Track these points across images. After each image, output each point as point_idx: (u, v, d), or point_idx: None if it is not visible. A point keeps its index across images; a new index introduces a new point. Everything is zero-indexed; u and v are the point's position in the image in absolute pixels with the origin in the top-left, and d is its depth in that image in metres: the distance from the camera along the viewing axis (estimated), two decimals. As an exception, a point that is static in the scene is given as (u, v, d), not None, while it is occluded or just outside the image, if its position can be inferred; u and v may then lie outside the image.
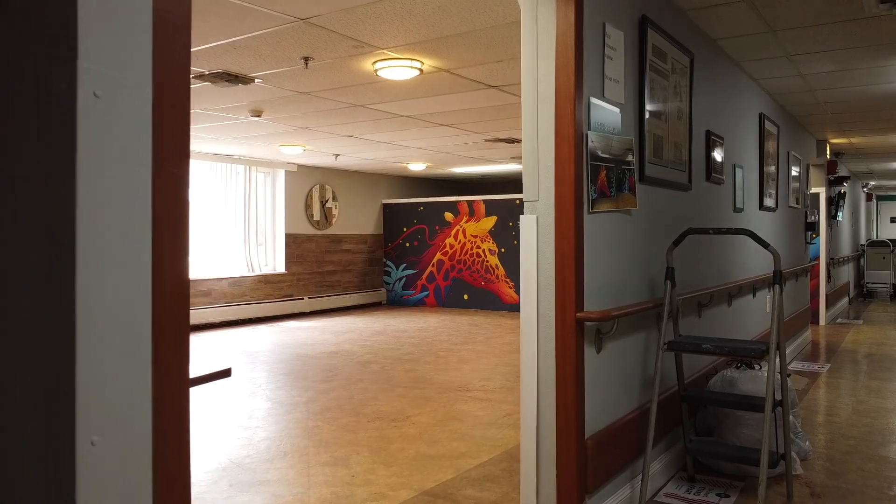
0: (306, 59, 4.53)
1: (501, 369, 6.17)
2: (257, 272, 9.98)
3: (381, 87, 5.47)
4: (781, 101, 6.06)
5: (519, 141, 7.75)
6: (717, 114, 4.41)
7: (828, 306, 9.09)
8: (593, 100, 2.78)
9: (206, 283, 9.26)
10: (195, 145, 8.31)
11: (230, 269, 9.62)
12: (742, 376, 3.47)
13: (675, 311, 3.29)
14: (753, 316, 5.20)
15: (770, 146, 5.71)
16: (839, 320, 9.50)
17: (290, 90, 5.49)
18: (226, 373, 1.63)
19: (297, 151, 8.70)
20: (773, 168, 5.84)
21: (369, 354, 6.97)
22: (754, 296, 5.22)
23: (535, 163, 2.71)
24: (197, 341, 7.85)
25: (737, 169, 4.82)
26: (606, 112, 2.89)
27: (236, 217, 9.79)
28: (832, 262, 9.59)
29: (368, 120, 6.71)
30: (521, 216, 2.74)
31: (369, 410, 4.68)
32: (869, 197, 17.05)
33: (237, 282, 9.68)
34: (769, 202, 5.73)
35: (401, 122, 6.82)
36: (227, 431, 4.23)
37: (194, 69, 4.69)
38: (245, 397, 5.19)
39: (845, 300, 11.20)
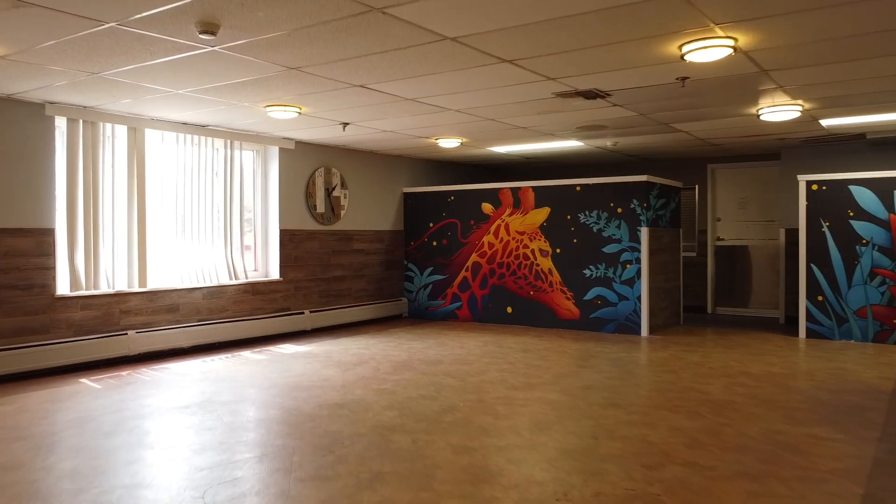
0: None
1: (607, 446, 3.79)
2: (242, 279, 7.66)
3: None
4: None
5: (605, 95, 5.35)
6: None
7: None
8: None
9: (171, 294, 6.95)
10: (144, 108, 6.01)
11: (206, 277, 7.31)
12: None
13: None
14: None
15: None
16: None
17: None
18: None
19: (290, 116, 6.35)
20: None
21: (392, 411, 4.61)
22: None
23: None
24: (141, 379, 5.55)
25: None
26: None
27: (214, 208, 7.47)
28: None
29: (390, 49, 4.35)
30: None
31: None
32: None
33: (215, 292, 7.37)
34: None
35: (440, 53, 4.46)
36: None
37: None
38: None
39: None
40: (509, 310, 9.04)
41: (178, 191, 7.09)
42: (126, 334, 6.44)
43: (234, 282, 7.54)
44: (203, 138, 7.27)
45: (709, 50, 4.05)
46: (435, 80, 5.15)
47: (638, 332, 8.05)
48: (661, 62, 4.57)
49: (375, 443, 3.90)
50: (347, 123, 7.03)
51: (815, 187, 7.71)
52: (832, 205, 7.61)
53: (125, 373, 5.98)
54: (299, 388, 5.31)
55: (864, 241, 7.44)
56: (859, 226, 7.47)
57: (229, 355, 6.83)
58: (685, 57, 4.23)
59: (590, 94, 5.56)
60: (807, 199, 7.74)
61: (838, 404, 4.76)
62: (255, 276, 8.00)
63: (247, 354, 6.87)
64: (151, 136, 6.88)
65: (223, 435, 4.08)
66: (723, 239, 10.37)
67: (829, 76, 5.02)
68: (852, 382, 5.44)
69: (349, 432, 4.11)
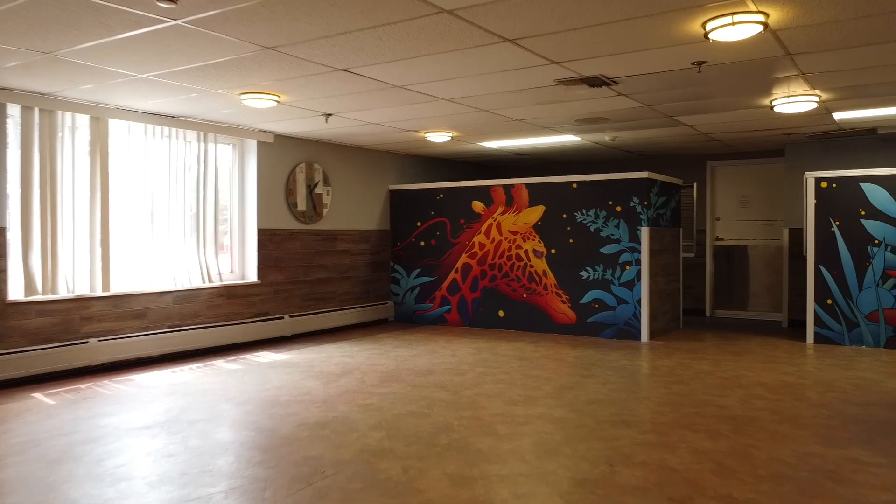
0: None
1: (625, 475, 3.33)
2: (217, 282, 7.13)
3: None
4: None
5: (611, 82, 4.89)
6: None
7: None
8: None
9: (138, 299, 6.41)
10: (107, 95, 5.47)
11: (176, 280, 6.77)
12: None
13: None
14: None
15: None
16: None
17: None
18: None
19: (268, 106, 5.84)
20: None
21: (379, 431, 4.12)
22: None
23: None
24: (101, 393, 5.01)
25: None
26: None
27: (186, 205, 6.93)
28: None
29: (378, 24, 3.86)
30: None
31: None
32: None
33: (187, 296, 6.84)
34: None
35: (434, 29, 3.98)
36: None
37: None
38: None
39: None
40: (501, 314, 8.58)
41: (146, 187, 6.55)
42: (87, 343, 5.89)
43: (207, 285, 7.01)
44: (174, 130, 6.74)
45: (737, 27, 3.61)
46: (427, 64, 4.66)
47: (638, 337, 7.62)
48: (680, 42, 4.12)
49: (361, 472, 3.41)
50: (330, 114, 6.53)
51: (824, 185, 7.31)
52: (843, 203, 7.22)
53: (84, 386, 5.43)
54: (276, 404, 4.80)
55: (876, 242, 7.06)
56: (871, 225, 7.08)
57: (201, 365, 6.30)
58: (709, 35, 3.79)
59: (595, 82, 5.10)
60: (816, 198, 7.34)
61: (869, 420, 4.33)
62: (230, 279, 7.47)
63: (220, 364, 6.35)
64: (116, 126, 6.33)
65: (186, 463, 3.57)
66: (722, 239, 9.98)
67: (855, 61, 4.60)
68: (877, 394, 5.03)
69: (331, 458, 3.61)
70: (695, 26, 3.79)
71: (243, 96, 5.58)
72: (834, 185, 7.26)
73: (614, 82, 5.15)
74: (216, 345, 6.96)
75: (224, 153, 7.49)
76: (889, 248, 6.99)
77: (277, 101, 5.75)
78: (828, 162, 8.63)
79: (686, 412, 4.54)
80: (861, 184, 7.13)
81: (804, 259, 8.60)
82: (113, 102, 5.92)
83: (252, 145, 7.56)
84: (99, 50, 4.28)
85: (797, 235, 8.74)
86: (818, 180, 7.34)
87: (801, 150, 8.85)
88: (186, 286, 6.82)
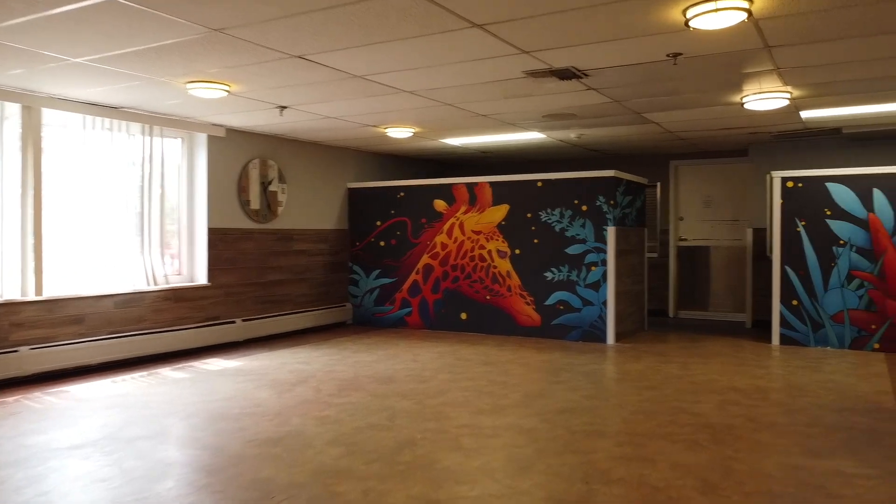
0: None
1: (604, 494, 3.07)
2: (163, 285, 6.69)
3: None
4: None
5: (582, 75, 4.67)
6: None
7: None
8: None
9: (75, 303, 5.95)
10: (40, 82, 5.01)
11: (119, 282, 6.32)
12: None
13: None
14: None
15: None
16: None
17: None
18: None
19: (217, 96, 5.45)
20: None
21: (337, 447, 3.80)
22: None
23: None
24: (30, 407, 4.56)
25: None
26: None
27: (129, 203, 6.48)
28: None
29: (336, 4, 3.54)
30: None
31: None
32: None
33: (130, 300, 6.39)
34: None
35: (399, 12, 3.68)
36: None
37: None
38: None
39: None
40: (464, 316, 8.31)
41: (84, 183, 6.08)
42: (17, 351, 5.42)
43: (152, 288, 6.56)
44: (115, 122, 6.28)
45: (720, 14, 3.40)
46: (389, 52, 4.35)
47: (604, 339, 7.43)
48: (658, 31, 3.90)
49: (316, 497, 3.09)
50: (285, 107, 6.16)
51: (790, 184, 7.23)
52: (808, 203, 7.15)
53: (12, 399, 4.97)
54: (225, 418, 4.43)
55: (841, 242, 7.00)
56: (837, 225, 7.02)
57: (145, 374, 5.87)
58: (690, 23, 3.57)
59: (565, 74, 4.86)
60: (782, 197, 7.26)
61: (849, 427, 4.18)
62: (178, 281, 7.03)
63: (166, 372, 5.93)
64: (51, 117, 5.86)
65: (119, 489, 3.19)
66: (686, 239, 9.90)
67: (832, 56, 4.45)
68: (851, 399, 4.90)
69: (284, 481, 3.28)
70: (675, 13, 3.57)
71: (190, 85, 5.18)
72: (800, 185, 7.19)
73: (585, 75, 4.92)
74: (162, 351, 6.53)
75: (171, 148, 7.04)
76: (854, 248, 6.94)
77: (228, 92, 5.37)
78: (792, 162, 8.60)
79: (661, 420, 4.33)
80: (827, 184, 7.07)
81: (768, 259, 8.55)
82: (45, 90, 5.46)
83: (202, 139, 7.13)
84: (24, 28, 3.86)
85: (761, 235, 8.68)
86: (784, 180, 7.26)
87: (765, 150, 8.80)
88: (129, 289, 6.37)
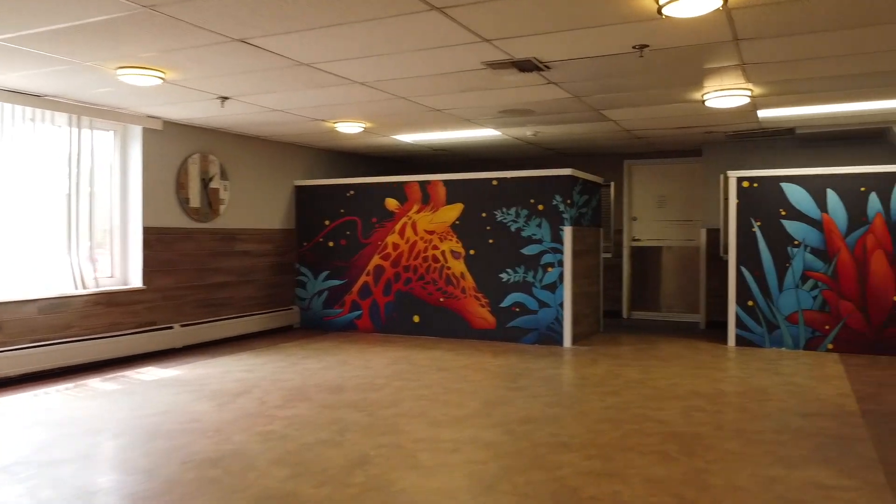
0: None
1: (578, 516, 2.84)
2: (93, 289, 6.20)
3: None
4: None
5: (543, 67, 4.44)
6: None
7: None
8: None
9: (-7, 309, 5.43)
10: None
11: (43, 286, 5.81)
12: None
13: None
14: None
15: None
16: None
17: None
18: None
19: (151, 84, 5.02)
20: None
21: (283, 468, 3.46)
22: None
23: None
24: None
25: None
26: None
27: (55, 200, 5.98)
28: None
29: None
30: None
31: None
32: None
33: (56, 305, 5.89)
34: None
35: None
36: None
37: None
38: None
39: None
40: (416, 319, 8.02)
41: (2, 178, 5.56)
42: (-77, 364, 4.89)
43: (81, 292, 6.07)
44: (39, 112, 5.77)
45: (695, 1, 3.19)
46: (339, 36, 4.04)
47: (561, 342, 7.25)
48: (627, 20, 3.69)
49: (260, 527, 2.76)
50: (227, 98, 5.77)
51: (746, 184, 7.18)
52: (764, 203, 7.11)
53: (-84, 418, 4.46)
54: (158, 436, 4.04)
55: (795, 243, 6.98)
56: (791, 226, 7.00)
57: (72, 385, 5.40)
58: (662, 10, 3.37)
59: (527, 66, 4.62)
60: (738, 197, 7.21)
61: (817, 433, 4.06)
62: (110, 285, 6.54)
63: (96, 384, 5.47)
64: (-35, 105, 5.34)
65: (32, 525, 2.80)
66: (639, 240, 9.83)
67: (798, 51, 4.34)
68: (814, 402, 4.81)
69: (223, 509, 2.94)
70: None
71: (120, 71, 4.75)
72: (755, 185, 7.14)
73: (546, 67, 4.69)
74: (92, 360, 6.04)
75: (103, 141, 6.54)
76: (808, 249, 6.92)
77: (163, 79, 4.96)
78: (745, 162, 8.59)
79: (627, 430, 4.13)
80: (782, 184, 7.04)
81: (721, 260, 8.52)
82: (-43, 75, 4.95)
83: (136, 132, 6.65)
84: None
85: (715, 236, 8.65)
86: (740, 179, 7.21)
87: (719, 150, 8.78)
88: (55, 293, 5.87)
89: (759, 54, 4.41)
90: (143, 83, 4.95)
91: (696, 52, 4.34)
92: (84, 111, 6.01)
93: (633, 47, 4.18)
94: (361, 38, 4.06)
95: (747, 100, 5.60)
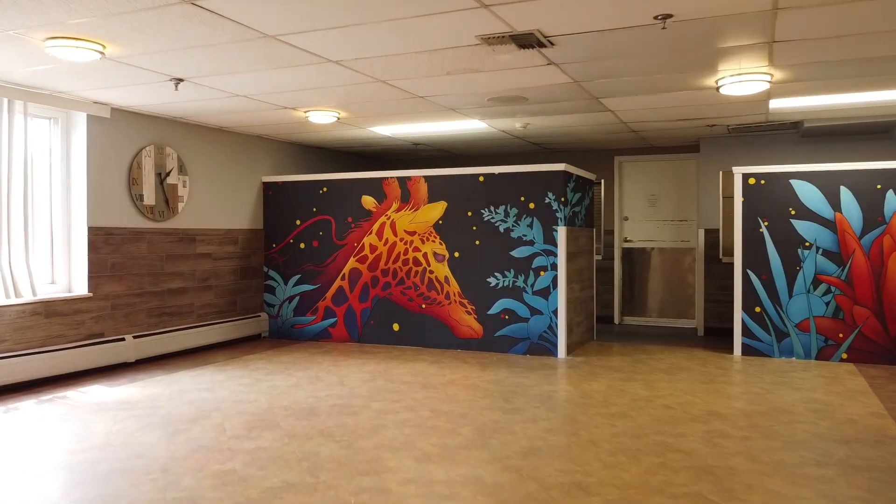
0: None
1: None
2: (29, 297, 5.45)
3: None
4: None
5: (545, 44, 3.82)
6: None
7: None
8: None
9: None
10: None
11: (-33, 294, 5.05)
12: None
13: None
14: None
15: None
16: None
17: None
18: None
19: (89, 58, 4.30)
20: None
21: (239, 525, 2.80)
22: None
23: None
24: None
25: None
26: None
27: (-17, 195, 5.22)
28: None
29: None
30: None
31: None
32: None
33: (-16, 317, 5.13)
34: None
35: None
36: None
37: None
38: None
39: None
40: (396, 327, 7.37)
41: (-82, 169, 4.80)
42: None
43: (14, 301, 5.31)
44: (-38, 94, 5.02)
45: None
46: (309, 2, 3.38)
47: (554, 352, 6.66)
48: (653, -20, 3.09)
49: None
50: (181, 80, 5.06)
51: (752, 181, 6.66)
52: (772, 201, 6.59)
53: None
54: (92, 476, 3.34)
55: (807, 244, 6.47)
56: (802, 226, 6.49)
57: (1, 410, 4.66)
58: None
59: (527, 41, 4.00)
60: (743, 195, 6.68)
61: (867, 467, 3.50)
62: (51, 292, 5.79)
63: (29, 407, 4.73)
64: None
65: None
66: (631, 240, 9.29)
67: (844, 24, 3.78)
68: (848, 425, 4.26)
69: (157, 593, 2.27)
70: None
71: (49, 42, 4.03)
72: (763, 182, 6.62)
73: (550, 44, 4.08)
74: (28, 379, 5.29)
75: (40, 129, 5.79)
76: (820, 251, 6.41)
77: (102, 54, 4.24)
78: (745, 158, 8.09)
79: (649, 464, 3.53)
80: (791, 181, 6.52)
81: (720, 262, 8.01)
82: None
83: (80, 120, 5.91)
84: None
85: (713, 237, 8.13)
86: (746, 176, 6.68)
87: (718, 145, 8.27)
88: (-18, 303, 5.12)
89: (796, 29, 3.85)
90: (79, 58, 4.23)
91: (724, 24, 3.77)
92: (16, 94, 5.26)
93: (655, 17, 3.59)
94: (336, 4, 3.40)
95: (766, 85, 5.05)
